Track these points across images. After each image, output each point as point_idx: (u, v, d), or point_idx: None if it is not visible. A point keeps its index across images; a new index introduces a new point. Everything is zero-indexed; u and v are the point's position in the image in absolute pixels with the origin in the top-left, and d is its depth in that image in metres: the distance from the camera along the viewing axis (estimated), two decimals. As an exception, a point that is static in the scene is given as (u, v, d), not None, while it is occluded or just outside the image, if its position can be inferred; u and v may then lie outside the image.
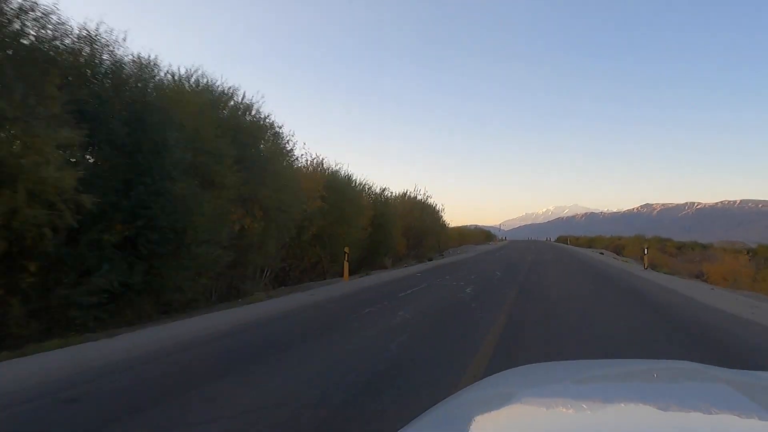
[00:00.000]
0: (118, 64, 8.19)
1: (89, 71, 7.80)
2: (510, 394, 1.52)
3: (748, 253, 27.47)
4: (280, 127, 15.17)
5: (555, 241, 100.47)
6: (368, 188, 25.64)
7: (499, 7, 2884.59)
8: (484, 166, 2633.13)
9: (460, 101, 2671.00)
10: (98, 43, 7.71)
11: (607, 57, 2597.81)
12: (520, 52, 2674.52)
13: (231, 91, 13.12)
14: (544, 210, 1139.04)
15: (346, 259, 17.26)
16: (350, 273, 17.45)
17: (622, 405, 1.42)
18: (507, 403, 1.44)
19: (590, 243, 66.23)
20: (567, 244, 73.52)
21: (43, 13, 6.74)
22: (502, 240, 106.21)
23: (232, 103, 13.12)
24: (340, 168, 22.04)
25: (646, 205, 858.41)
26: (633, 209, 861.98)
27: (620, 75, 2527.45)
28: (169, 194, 8.18)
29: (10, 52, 6.30)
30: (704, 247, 43.69)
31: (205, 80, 12.24)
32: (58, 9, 6.91)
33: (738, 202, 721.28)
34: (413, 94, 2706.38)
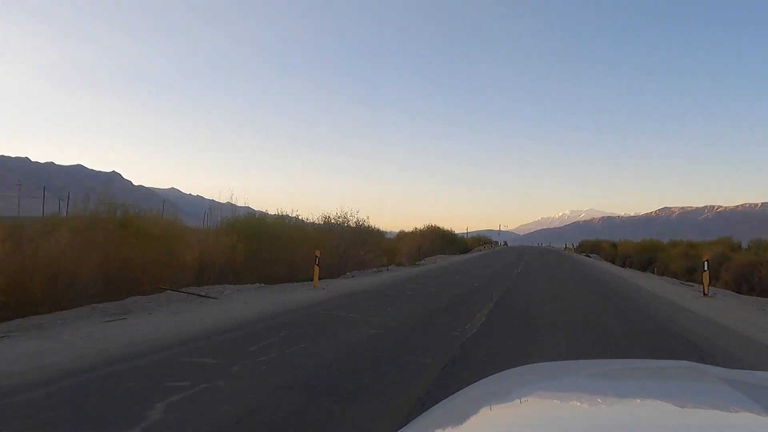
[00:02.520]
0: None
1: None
2: (510, 393, 1.54)
3: None
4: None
5: (577, 250, 59.50)
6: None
7: (513, 8, 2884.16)
8: (500, 171, 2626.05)
9: (470, 103, 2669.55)
10: None
11: (623, 59, 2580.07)
12: (533, 54, 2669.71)
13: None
14: (560, 214, 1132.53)
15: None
16: None
17: (622, 404, 1.42)
18: (507, 403, 1.47)
19: (649, 253, 31.13)
20: (647, 271, 28.34)
21: None
22: (487, 246, 65.68)
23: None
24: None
25: (665, 208, 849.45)
26: (651, 213, 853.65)
27: (636, 76, 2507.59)
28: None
29: None
30: None
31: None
32: None
33: (759, 204, 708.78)
34: (422, 99, 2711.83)
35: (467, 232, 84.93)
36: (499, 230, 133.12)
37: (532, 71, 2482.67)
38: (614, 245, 45.88)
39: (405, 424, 1.30)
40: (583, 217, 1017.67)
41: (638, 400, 1.47)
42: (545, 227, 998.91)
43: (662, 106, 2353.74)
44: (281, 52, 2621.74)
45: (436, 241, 40.44)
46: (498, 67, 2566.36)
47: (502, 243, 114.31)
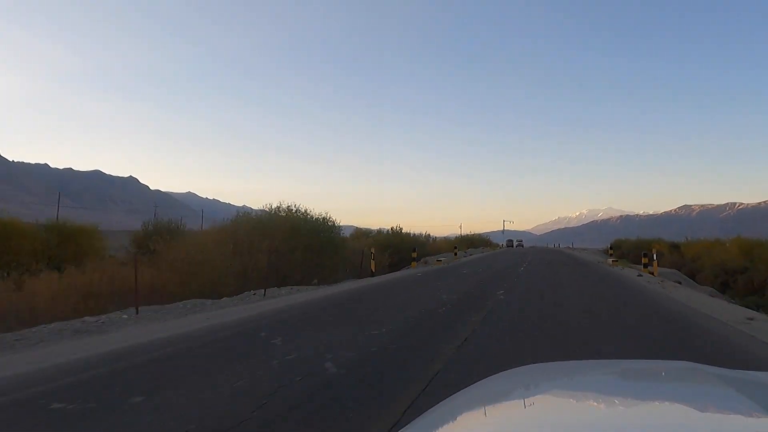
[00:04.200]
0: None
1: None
2: (510, 394, 1.55)
3: None
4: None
5: (611, 252, 34.94)
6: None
7: (527, 9, 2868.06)
8: (516, 171, 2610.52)
9: (483, 101, 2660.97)
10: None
11: (640, 53, 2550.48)
12: (546, 54, 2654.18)
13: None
14: (577, 213, 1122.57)
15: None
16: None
17: (622, 405, 1.40)
18: (506, 403, 1.47)
19: None
20: None
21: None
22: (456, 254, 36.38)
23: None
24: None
25: (685, 206, 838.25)
26: (671, 211, 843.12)
27: (654, 71, 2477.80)
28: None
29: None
30: None
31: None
32: None
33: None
34: (432, 99, 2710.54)
35: (459, 234, 68.62)
36: (503, 230, 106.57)
37: (547, 68, 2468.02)
38: (676, 247, 28.61)
39: (405, 425, 1.34)
40: (601, 216, 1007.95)
41: (638, 401, 1.44)
42: (563, 226, 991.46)
43: (682, 102, 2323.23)
44: (293, 57, 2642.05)
45: (294, 248, 17.58)
46: (512, 66, 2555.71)
47: (516, 243, 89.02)
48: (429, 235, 50.73)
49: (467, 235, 70.05)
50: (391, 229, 37.16)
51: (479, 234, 77.26)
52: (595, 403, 1.43)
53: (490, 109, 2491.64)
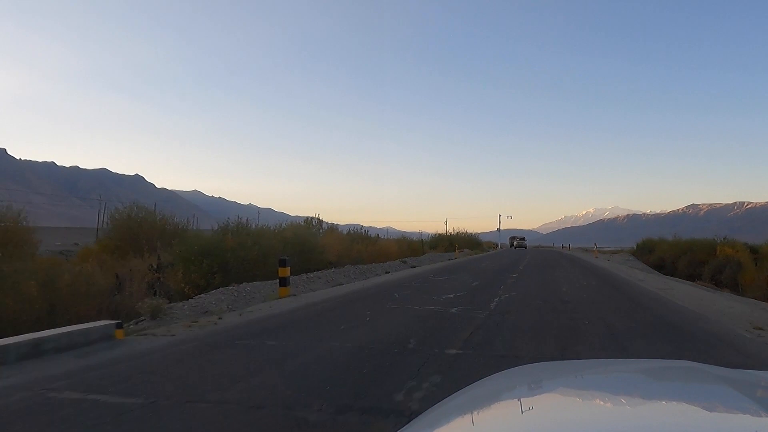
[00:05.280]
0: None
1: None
2: (510, 393, 1.55)
3: None
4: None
5: (638, 254, 37.53)
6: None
7: (527, 11, 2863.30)
8: (523, 170, 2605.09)
9: (492, 102, 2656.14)
10: None
11: (648, 52, 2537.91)
12: (551, 56, 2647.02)
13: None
14: (583, 212, 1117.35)
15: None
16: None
17: (622, 404, 1.40)
18: (507, 402, 1.47)
19: None
20: None
21: None
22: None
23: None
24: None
25: (692, 205, 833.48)
26: (678, 210, 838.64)
27: (662, 69, 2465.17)
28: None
29: None
30: None
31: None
32: None
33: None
34: (446, 103, 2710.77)
35: (444, 232, 52.04)
36: (499, 228, 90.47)
37: (551, 70, 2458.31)
38: (755, 251, 22.14)
39: (405, 425, 1.29)
40: (607, 215, 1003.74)
41: (638, 401, 1.43)
42: (569, 226, 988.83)
43: (689, 100, 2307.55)
44: (295, 62, 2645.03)
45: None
46: (515, 68, 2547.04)
47: (517, 243, 68.53)
48: (368, 230, 31.73)
49: (450, 233, 52.77)
50: (306, 220, 24.18)
51: (468, 232, 58.26)
52: (596, 402, 1.43)
53: (495, 110, 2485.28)
